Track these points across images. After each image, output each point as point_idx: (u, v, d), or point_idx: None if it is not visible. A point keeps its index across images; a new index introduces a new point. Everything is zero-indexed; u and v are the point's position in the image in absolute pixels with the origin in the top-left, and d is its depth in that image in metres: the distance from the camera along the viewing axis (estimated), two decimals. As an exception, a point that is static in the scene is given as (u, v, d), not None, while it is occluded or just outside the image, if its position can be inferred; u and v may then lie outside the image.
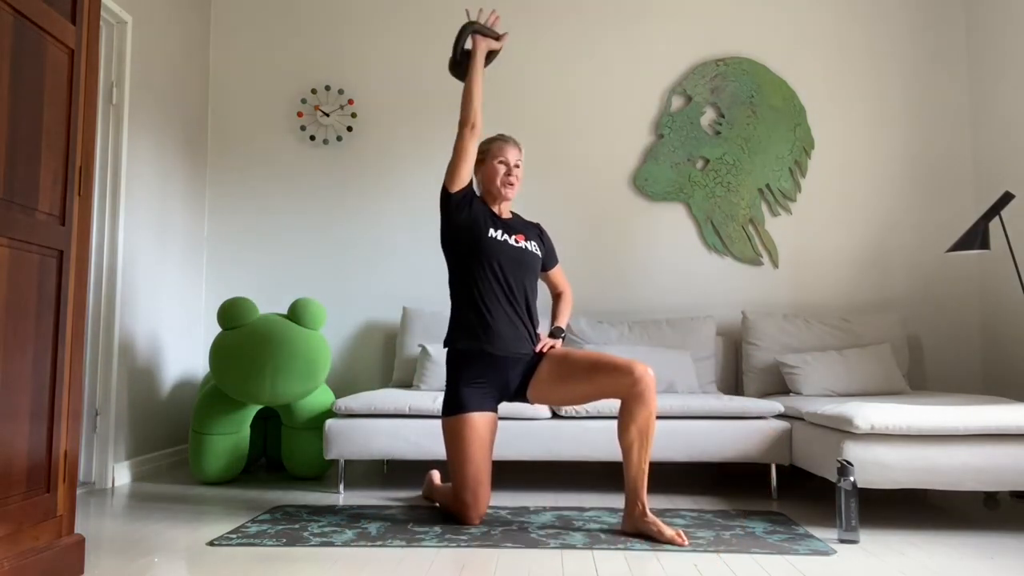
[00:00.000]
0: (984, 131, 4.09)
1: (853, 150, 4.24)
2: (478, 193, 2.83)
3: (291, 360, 3.34)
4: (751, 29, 4.29)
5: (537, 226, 2.94)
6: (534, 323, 2.77)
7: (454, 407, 2.63)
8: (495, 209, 2.79)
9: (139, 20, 3.65)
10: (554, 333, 2.83)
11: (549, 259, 2.93)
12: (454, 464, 2.62)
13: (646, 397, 2.44)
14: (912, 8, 4.27)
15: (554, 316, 2.95)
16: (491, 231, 2.68)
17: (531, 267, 2.76)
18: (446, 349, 2.74)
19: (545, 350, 2.73)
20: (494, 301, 2.66)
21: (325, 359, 3.48)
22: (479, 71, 2.70)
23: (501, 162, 2.75)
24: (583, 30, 4.33)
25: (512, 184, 2.76)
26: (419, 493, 3.19)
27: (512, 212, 2.89)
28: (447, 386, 2.70)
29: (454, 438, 2.61)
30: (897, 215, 4.20)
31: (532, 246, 2.78)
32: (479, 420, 2.61)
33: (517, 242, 2.73)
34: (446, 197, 2.70)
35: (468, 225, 2.68)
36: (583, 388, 2.60)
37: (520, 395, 2.73)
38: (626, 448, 2.48)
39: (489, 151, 2.78)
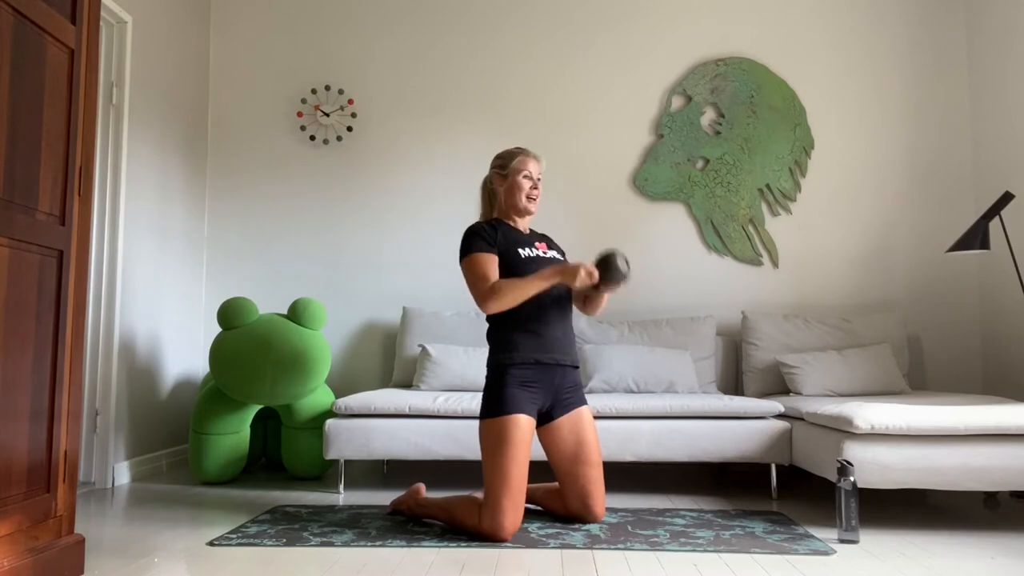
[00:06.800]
0: (984, 131, 4.09)
1: (853, 150, 4.24)
2: (495, 212, 2.77)
3: (291, 360, 3.34)
4: (751, 29, 4.29)
5: (547, 237, 2.86)
6: (573, 334, 2.73)
7: (502, 407, 2.50)
8: (518, 227, 2.73)
9: (139, 20, 3.65)
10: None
11: None
12: (496, 469, 2.45)
13: (587, 522, 2.67)
14: (912, 8, 4.27)
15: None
16: (522, 251, 2.63)
17: None
18: (491, 361, 2.61)
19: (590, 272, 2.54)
20: (544, 314, 2.60)
21: (325, 359, 3.48)
22: (540, 286, 2.52)
23: (526, 176, 2.69)
24: (583, 30, 4.33)
25: (535, 199, 2.71)
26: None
27: (529, 228, 2.83)
28: (493, 388, 2.55)
29: (499, 440, 2.46)
30: (897, 215, 4.20)
31: (556, 255, 2.74)
32: (526, 423, 2.50)
33: (545, 252, 2.69)
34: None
35: (502, 253, 2.62)
36: (564, 469, 2.63)
37: (543, 421, 2.64)
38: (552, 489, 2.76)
39: (512, 167, 2.70)
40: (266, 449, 3.83)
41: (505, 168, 2.72)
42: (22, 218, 1.88)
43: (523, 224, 2.77)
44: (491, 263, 2.58)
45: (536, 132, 4.24)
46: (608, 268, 2.47)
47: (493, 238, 2.63)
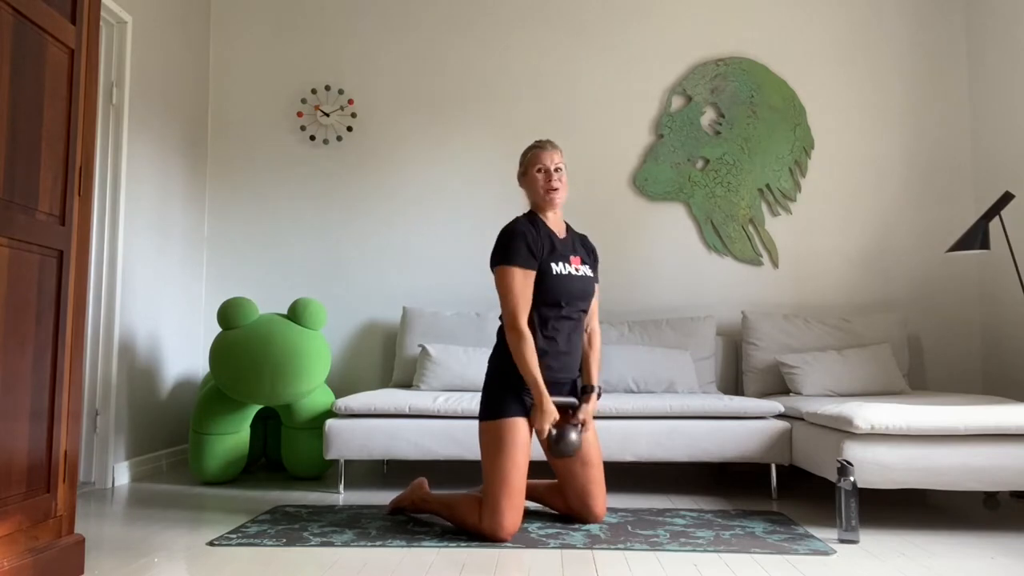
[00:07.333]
0: (984, 131, 4.09)
1: (853, 150, 4.24)
2: (529, 206, 2.73)
3: (291, 360, 3.34)
4: (751, 29, 4.29)
5: (584, 240, 2.83)
6: (581, 347, 2.72)
7: (501, 410, 2.52)
8: (550, 225, 2.68)
9: (139, 20, 3.65)
10: (586, 389, 2.68)
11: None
12: (495, 471, 2.46)
13: (588, 521, 2.69)
14: (912, 8, 4.27)
15: (586, 369, 2.76)
16: (555, 266, 2.60)
17: (590, 294, 2.70)
18: (495, 359, 2.63)
19: (586, 424, 2.63)
20: (557, 330, 2.60)
21: (325, 359, 3.48)
22: (530, 384, 2.52)
23: (539, 170, 2.66)
24: (583, 30, 4.33)
25: (556, 189, 2.64)
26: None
27: (565, 222, 2.77)
28: (492, 387, 2.58)
29: (499, 442, 2.48)
30: (897, 215, 4.20)
31: (588, 270, 2.70)
32: (525, 426, 2.53)
33: (577, 269, 2.65)
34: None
35: (540, 264, 2.60)
36: (564, 469, 2.64)
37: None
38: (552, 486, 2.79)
39: (525, 163, 2.70)
40: (266, 449, 3.83)
41: (522, 166, 2.72)
42: (22, 218, 1.88)
43: (556, 220, 2.71)
44: (527, 287, 2.55)
45: (536, 132, 4.23)
46: (559, 441, 2.52)
47: (538, 244, 2.58)
